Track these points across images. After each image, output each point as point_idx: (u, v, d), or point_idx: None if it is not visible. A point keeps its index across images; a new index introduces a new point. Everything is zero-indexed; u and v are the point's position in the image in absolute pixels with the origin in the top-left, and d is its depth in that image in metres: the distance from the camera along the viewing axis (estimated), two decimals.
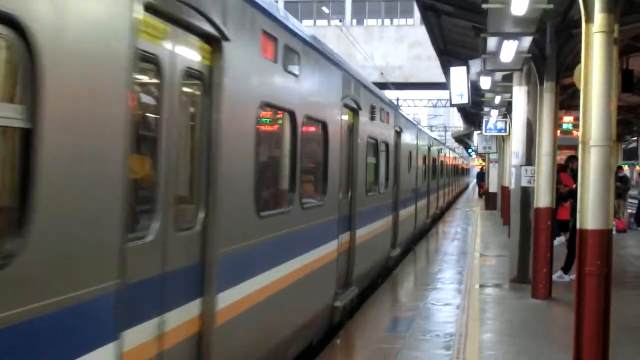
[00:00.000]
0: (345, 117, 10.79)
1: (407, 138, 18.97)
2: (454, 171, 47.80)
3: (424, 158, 24.25)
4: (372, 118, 12.77)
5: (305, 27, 9.17)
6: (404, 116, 19.15)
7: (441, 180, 33.20)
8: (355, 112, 11.46)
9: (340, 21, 44.32)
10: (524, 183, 13.64)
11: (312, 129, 9.14)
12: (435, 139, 32.82)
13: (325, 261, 9.27)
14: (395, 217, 16.45)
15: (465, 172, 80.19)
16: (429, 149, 26.14)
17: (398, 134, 16.83)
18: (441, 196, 33.26)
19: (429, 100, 63.18)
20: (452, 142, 79.49)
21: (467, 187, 79.86)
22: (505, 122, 26.15)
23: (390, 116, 15.42)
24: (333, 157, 9.72)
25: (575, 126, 24.31)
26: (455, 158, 52.03)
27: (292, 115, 7.73)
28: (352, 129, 11.47)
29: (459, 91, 19.20)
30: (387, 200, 15.19)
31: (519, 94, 14.32)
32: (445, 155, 37.61)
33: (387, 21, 48.82)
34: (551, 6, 9.77)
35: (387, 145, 15.01)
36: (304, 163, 8.39)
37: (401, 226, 17.34)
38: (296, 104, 7.80)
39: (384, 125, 14.52)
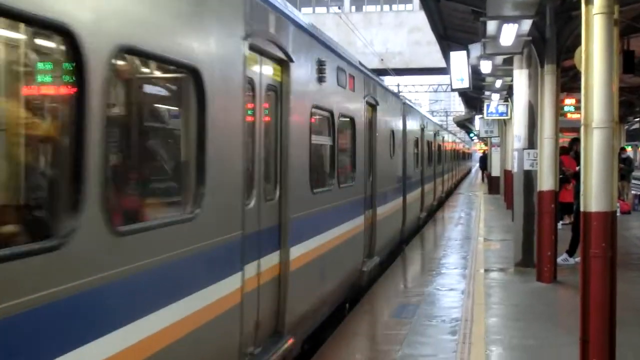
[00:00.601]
0: (260, 70, 6.86)
1: (388, 115, 15.21)
2: (454, 156, 44.92)
3: (416, 141, 20.79)
4: (321, 79, 8.74)
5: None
6: (381, 85, 14.89)
7: (439, 167, 29.77)
8: (282, 64, 7.47)
9: (339, 8, 44.15)
10: (527, 166, 13.63)
11: (155, 78, 5.33)
12: (430, 119, 28.43)
13: (209, 316, 5.41)
14: (371, 217, 12.84)
15: (467, 156, 79.70)
16: (423, 130, 22.72)
17: (373, 107, 13.04)
18: (440, 184, 29.94)
19: (429, 85, 63.09)
20: (453, 127, 79.40)
21: (469, 172, 79.51)
22: (507, 105, 26.10)
23: (356, 82, 11.36)
24: (224, 134, 5.77)
25: (577, 108, 24.26)
26: (455, 142, 49.51)
27: (69, 40, 3.67)
28: (278, 91, 7.47)
29: (460, 76, 19.12)
30: (356, 197, 11.30)
31: (520, 78, 14.28)
32: (443, 138, 33.93)
33: (386, 7, 48.66)
34: None
35: (352, 121, 11.18)
36: (130, 144, 4.93)
37: (381, 227, 13.70)
38: (81, 16, 3.74)
39: (347, 93, 10.63)
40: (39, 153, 4.09)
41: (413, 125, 20.06)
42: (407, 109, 18.72)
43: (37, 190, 3.99)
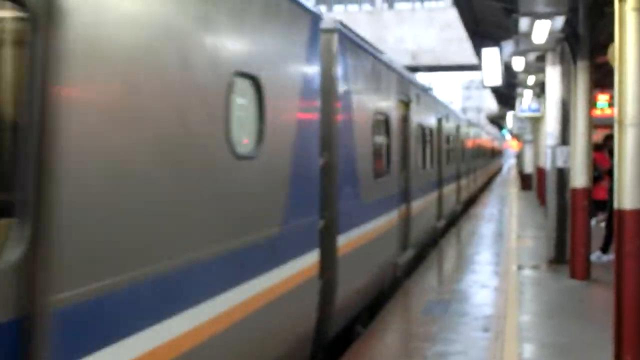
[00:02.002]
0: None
1: (286, 50, 6.60)
2: (477, 154, 35.37)
3: (402, 132, 12.55)
4: None
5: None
6: None
7: (452, 168, 21.97)
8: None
9: (371, 6, 44.10)
10: (560, 163, 13.56)
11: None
12: (436, 98, 18.99)
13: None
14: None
15: (497, 154, 76.39)
16: (409, 106, 13.61)
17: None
18: (452, 193, 22.04)
19: (461, 82, 62.73)
20: (486, 123, 78.93)
21: (499, 171, 75.94)
22: (540, 102, 25.94)
23: None
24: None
25: (611, 105, 24.05)
26: (479, 135, 39.99)
27: None
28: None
29: (492, 73, 19.10)
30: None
31: (553, 74, 14.21)
32: (460, 131, 25.49)
33: (417, 4, 48.54)
34: None
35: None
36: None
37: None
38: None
39: None
40: None
41: (387, 93, 11.41)
42: (384, 69, 10.66)
43: None
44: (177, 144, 4.42)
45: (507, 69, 19.15)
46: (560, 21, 11.16)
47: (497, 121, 64.86)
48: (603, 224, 16.24)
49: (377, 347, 8.64)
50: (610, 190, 12.29)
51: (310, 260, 7.16)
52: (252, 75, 5.65)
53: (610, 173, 13.33)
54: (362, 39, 9.99)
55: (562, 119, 13.71)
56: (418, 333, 9.23)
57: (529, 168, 37.37)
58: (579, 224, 12.43)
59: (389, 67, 11.62)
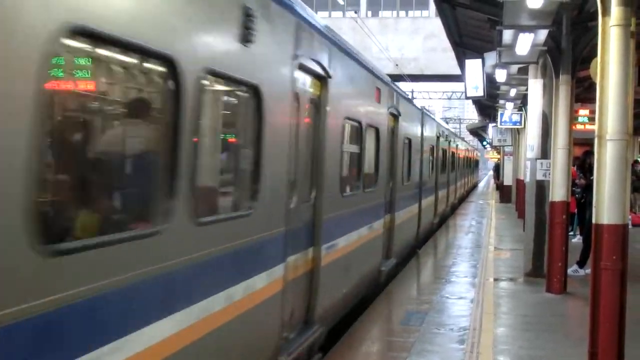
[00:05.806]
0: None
1: None
2: (442, 163, 25.26)
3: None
4: None
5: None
6: None
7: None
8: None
9: (355, 12, 44.12)
10: (539, 176, 13.59)
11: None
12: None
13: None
14: None
15: (474, 165, 69.44)
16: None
17: None
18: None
19: (443, 92, 62.93)
20: (467, 135, 79.05)
21: (475, 187, 69.85)
22: (521, 114, 26.03)
23: None
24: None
25: (592, 119, 24.18)
26: (449, 140, 28.72)
27: None
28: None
29: (474, 84, 19.13)
30: None
31: (535, 87, 14.25)
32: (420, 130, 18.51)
33: (402, 13, 48.65)
34: None
35: None
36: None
37: None
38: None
39: None
40: None
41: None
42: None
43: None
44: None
45: (490, 80, 19.20)
46: (543, 34, 11.20)
47: (478, 132, 64.96)
48: (578, 237, 16.33)
49: (354, 357, 8.60)
50: (590, 204, 12.35)
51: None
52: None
53: (588, 188, 13.39)
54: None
55: (543, 132, 13.75)
56: (395, 343, 9.21)
57: (508, 180, 37.52)
58: (557, 237, 12.47)
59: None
